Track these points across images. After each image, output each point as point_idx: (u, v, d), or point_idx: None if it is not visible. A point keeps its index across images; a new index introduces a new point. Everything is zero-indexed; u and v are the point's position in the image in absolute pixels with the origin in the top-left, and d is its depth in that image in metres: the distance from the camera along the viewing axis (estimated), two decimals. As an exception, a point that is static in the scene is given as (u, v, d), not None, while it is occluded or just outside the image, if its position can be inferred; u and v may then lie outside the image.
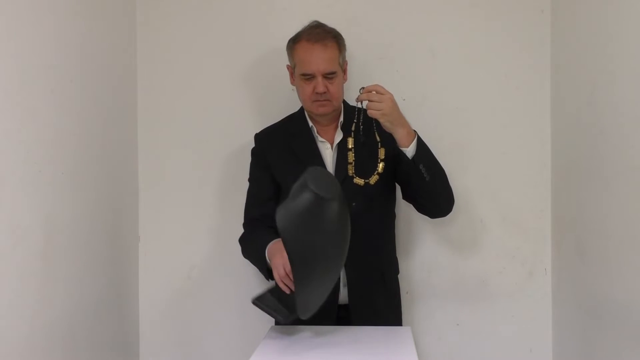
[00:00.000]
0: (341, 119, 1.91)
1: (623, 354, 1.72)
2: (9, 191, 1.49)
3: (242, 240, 1.96)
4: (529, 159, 2.21)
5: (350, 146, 1.75)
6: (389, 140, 1.75)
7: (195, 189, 2.26)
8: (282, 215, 1.52)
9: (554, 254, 2.20)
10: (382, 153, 1.75)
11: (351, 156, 1.75)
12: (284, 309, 1.69)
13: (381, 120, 1.69)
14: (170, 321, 2.28)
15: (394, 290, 1.99)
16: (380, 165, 1.74)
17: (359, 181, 1.75)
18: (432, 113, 2.21)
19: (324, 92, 1.81)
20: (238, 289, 2.24)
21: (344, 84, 1.93)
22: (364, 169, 1.75)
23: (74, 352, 1.81)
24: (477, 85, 2.22)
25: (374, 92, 1.69)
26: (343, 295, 1.86)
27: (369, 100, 1.68)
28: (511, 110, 2.21)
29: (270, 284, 1.77)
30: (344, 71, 1.91)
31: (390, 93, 1.70)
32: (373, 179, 1.74)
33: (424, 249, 2.24)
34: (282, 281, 1.65)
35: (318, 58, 1.80)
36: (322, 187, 1.51)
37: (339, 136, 1.90)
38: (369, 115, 1.69)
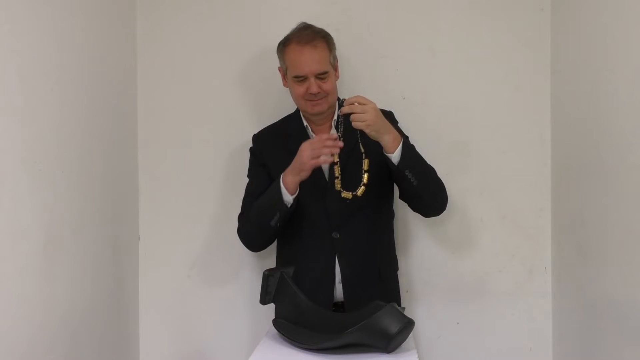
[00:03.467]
0: (335, 116, 1.92)
1: (623, 353, 1.72)
2: (9, 190, 1.49)
3: (241, 218, 1.94)
4: (529, 158, 2.21)
5: (335, 160, 1.77)
6: (374, 149, 1.76)
7: (195, 188, 2.26)
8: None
9: (554, 252, 2.20)
10: (366, 164, 1.76)
11: (337, 170, 1.77)
12: (271, 300, 1.71)
13: (367, 131, 1.70)
14: (170, 321, 2.28)
15: (392, 289, 1.99)
16: (365, 176, 1.76)
17: (347, 195, 1.76)
18: (432, 112, 2.21)
19: (318, 92, 1.82)
20: (238, 288, 2.25)
21: (338, 81, 1.93)
22: (353, 180, 1.77)
23: (74, 351, 1.81)
24: (477, 84, 2.22)
25: (356, 104, 1.69)
26: (338, 292, 1.87)
27: (352, 112, 1.68)
28: (511, 109, 2.21)
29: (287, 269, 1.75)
30: (335, 69, 1.91)
31: (372, 102, 1.70)
32: (360, 191, 1.76)
33: (423, 247, 2.24)
34: (324, 145, 1.70)
35: (309, 59, 1.81)
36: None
37: (332, 134, 1.90)
38: (354, 127, 1.69)
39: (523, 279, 2.22)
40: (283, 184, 1.77)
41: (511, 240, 2.22)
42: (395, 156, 1.73)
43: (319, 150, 1.71)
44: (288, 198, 1.77)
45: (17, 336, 1.52)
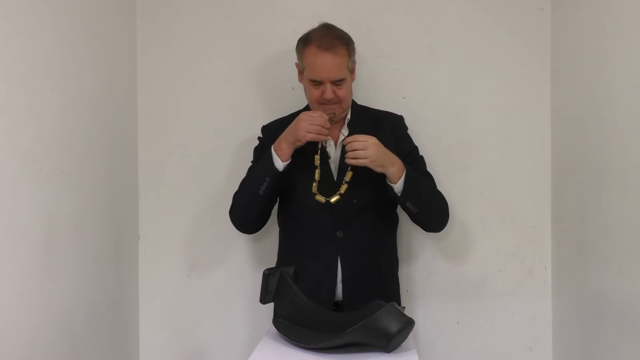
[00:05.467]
0: (348, 116, 1.92)
1: (623, 353, 1.72)
2: (9, 190, 1.50)
3: (235, 195, 1.94)
4: (529, 158, 2.21)
5: (316, 163, 1.83)
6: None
7: (195, 187, 2.26)
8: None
9: (554, 252, 2.20)
10: (348, 176, 1.83)
11: (318, 174, 1.83)
12: (271, 299, 1.72)
13: (371, 166, 1.73)
14: (170, 321, 2.28)
15: (392, 289, 1.99)
16: (344, 187, 1.82)
17: (320, 198, 1.82)
18: (432, 111, 2.21)
19: (332, 98, 1.83)
20: (238, 288, 2.25)
21: (352, 83, 1.93)
22: (357, 186, 1.83)
23: (74, 351, 1.81)
24: (477, 84, 2.22)
25: (355, 142, 1.73)
26: (339, 291, 1.87)
27: (353, 150, 1.73)
28: (511, 108, 2.21)
29: (287, 268, 1.77)
30: (352, 71, 1.91)
31: (372, 137, 1.74)
32: (334, 199, 1.82)
33: (423, 247, 2.24)
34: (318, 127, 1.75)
35: (328, 65, 1.80)
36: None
37: (344, 133, 1.90)
38: (357, 164, 1.74)
39: (523, 279, 2.22)
40: (275, 150, 1.79)
41: (511, 239, 2.22)
42: (397, 187, 1.76)
43: (318, 127, 1.74)
44: (279, 164, 1.78)
45: (17, 336, 1.52)
